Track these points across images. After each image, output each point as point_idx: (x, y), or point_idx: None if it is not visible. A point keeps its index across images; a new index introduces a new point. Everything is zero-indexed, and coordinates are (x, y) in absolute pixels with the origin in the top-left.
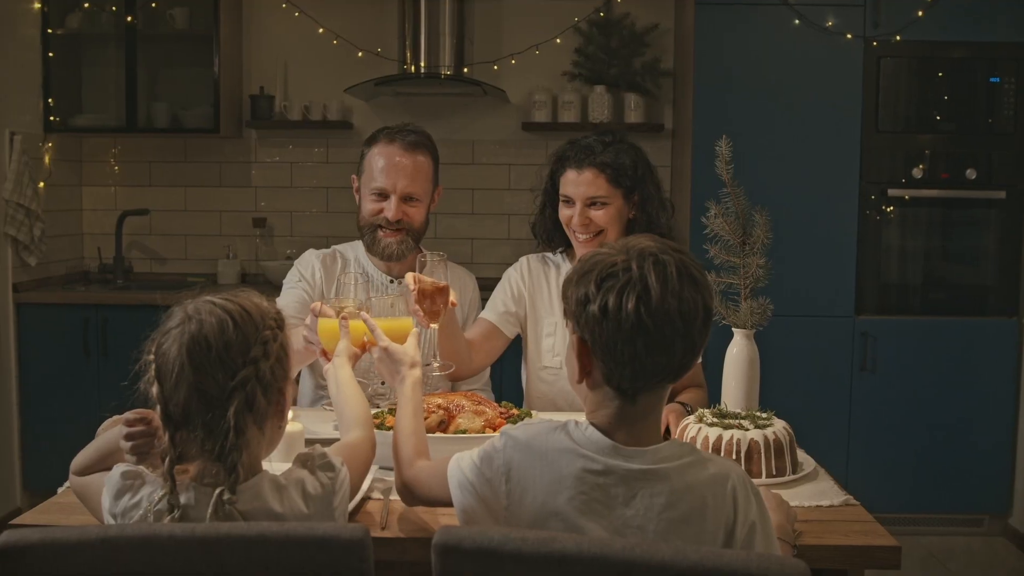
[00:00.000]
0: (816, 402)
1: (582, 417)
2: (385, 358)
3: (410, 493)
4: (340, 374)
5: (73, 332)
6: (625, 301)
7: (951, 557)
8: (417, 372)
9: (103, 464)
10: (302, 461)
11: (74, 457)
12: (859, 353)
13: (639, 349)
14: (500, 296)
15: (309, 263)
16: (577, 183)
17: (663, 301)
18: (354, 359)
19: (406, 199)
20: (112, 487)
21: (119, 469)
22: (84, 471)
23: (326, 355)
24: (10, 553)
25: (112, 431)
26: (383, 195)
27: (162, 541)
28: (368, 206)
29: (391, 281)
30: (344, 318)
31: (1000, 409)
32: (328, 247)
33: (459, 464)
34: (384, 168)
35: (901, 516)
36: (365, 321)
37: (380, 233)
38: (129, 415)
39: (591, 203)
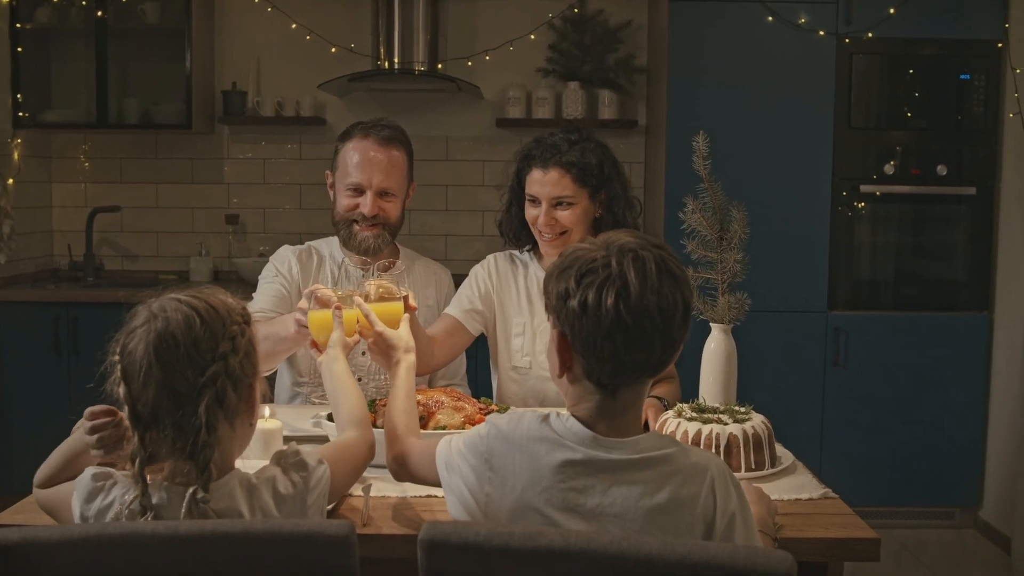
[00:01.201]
0: (789, 397)
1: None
2: (380, 342)
3: (400, 467)
4: (335, 368)
5: (43, 330)
6: (605, 297)
7: (923, 550)
8: (411, 357)
9: (69, 471)
10: (276, 459)
11: (41, 463)
12: (832, 348)
13: (618, 345)
14: (466, 293)
15: (285, 258)
16: (543, 183)
17: (642, 297)
18: (347, 350)
19: (382, 194)
20: (83, 490)
21: (90, 471)
22: (49, 482)
23: (317, 347)
24: None
25: (73, 436)
26: (359, 190)
27: (145, 539)
28: (343, 201)
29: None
30: (338, 307)
31: (971, 403)
32: (302, 243)
33: (448, 445)
34: (359, 163)
35: (874, 509)
36: (359, 306)
37: (356, 228)
38: (92, 409)
39: (557, 203)
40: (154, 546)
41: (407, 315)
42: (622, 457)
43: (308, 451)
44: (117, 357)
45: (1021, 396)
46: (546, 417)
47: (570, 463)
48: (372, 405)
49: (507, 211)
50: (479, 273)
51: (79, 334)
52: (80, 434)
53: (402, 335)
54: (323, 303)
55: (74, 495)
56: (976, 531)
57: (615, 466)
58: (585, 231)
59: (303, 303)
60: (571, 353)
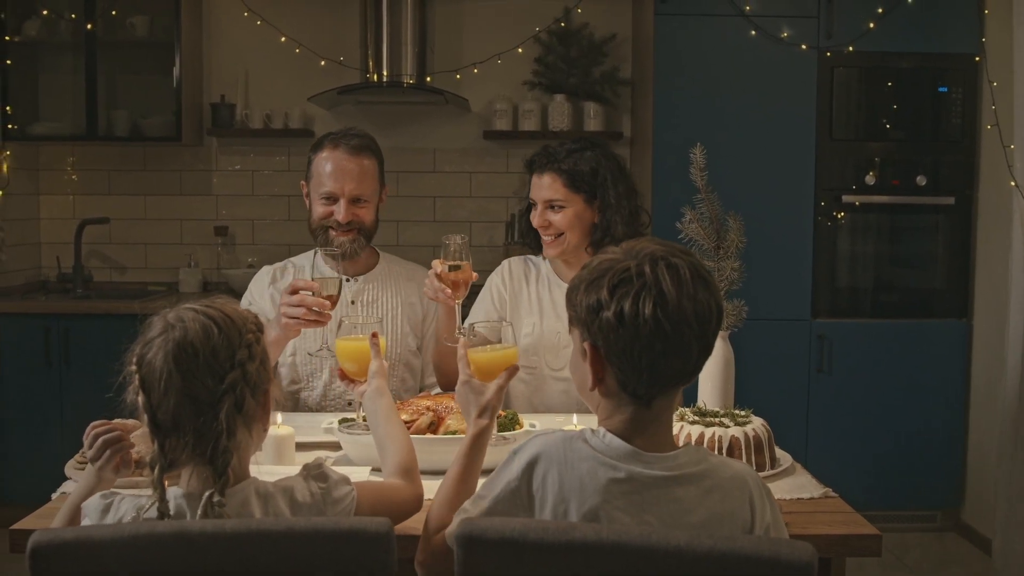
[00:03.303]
0: (775, 402)
1: (546, 418)
2: (463, 392)
3: (424, 571)
4: (381, 404)
5: (34, 342)
6: (642, 306)
7: (906, 552)
8: (483, 422)
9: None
10: (301, 471)
11: (34, 472)
12: (815, 355)
13: (657, 353)
14: (484, 306)
15: (260, 281)
16: (538, 186)
17: (680, 304)
18: (385, 375)
19: (354, 201)
20: (95, 510)
21: (94, 497)
22: None
23: (348, 377)
24: (42, 553)
25: (74, 489)
26: (332, 198)
27: (193, 537)
28: (318, 209)
29: (346, 280)
30: (374, 335)
31: (951, 407)
32: (290, 255)
33: (465, 515)
34: (331, 172)
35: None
36: (461, 348)
37: (332, 233)
38: (92, 424)
39: (549, 206)
40: (202, 543)
41: (512, 368)
42: (663, 474)
43: (341, 473)
44: (134, 367)
45: (1000, 400)
46: (580, 434)
47: (615, 482)
48: None
49: (525, 215)
50: (494, 280)
51: (70, 345)
52: (84, 474)
53: (489, 390)
54: (348, 330)
55: (84, 521)
56: (957, 533)
57: (657, 482)
58: (581, 235)
59: (284, 297)
60: (604, 365)
